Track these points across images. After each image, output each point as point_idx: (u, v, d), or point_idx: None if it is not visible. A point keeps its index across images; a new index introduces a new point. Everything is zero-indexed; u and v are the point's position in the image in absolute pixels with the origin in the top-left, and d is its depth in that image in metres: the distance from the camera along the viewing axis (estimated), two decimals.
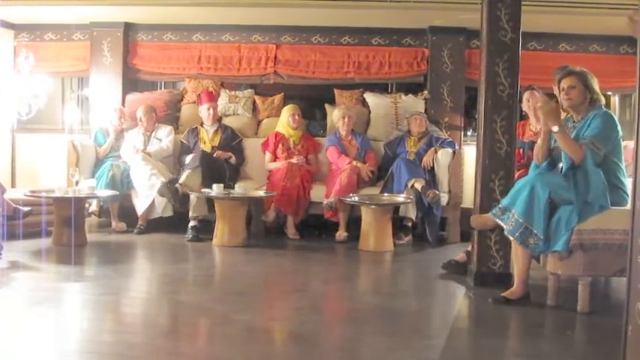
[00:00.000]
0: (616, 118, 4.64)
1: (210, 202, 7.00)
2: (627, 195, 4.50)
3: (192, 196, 6.97)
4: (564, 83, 4.68)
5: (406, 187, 6.86)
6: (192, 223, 7.02)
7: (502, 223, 4.61)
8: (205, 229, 7.01)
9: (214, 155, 7.37)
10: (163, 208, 7.14)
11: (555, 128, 4.48)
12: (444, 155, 7.19)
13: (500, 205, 4.67)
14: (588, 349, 4.00)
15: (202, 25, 8.26)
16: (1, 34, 8.20)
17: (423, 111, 7.81)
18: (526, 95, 6.26)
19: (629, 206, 2.90)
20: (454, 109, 7.97)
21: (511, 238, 4.58)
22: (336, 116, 7.66)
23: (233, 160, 7.52)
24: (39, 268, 5.67)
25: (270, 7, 7.35)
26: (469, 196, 6.36)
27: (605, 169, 4.51)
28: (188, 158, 7.29)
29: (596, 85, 4.65)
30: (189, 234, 6.93)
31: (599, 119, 4.52)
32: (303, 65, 8.26)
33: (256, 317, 4.43)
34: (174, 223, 7.17)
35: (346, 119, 7.55)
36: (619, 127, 4.62)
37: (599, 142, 4.46)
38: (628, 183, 4.61)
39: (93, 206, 7.30)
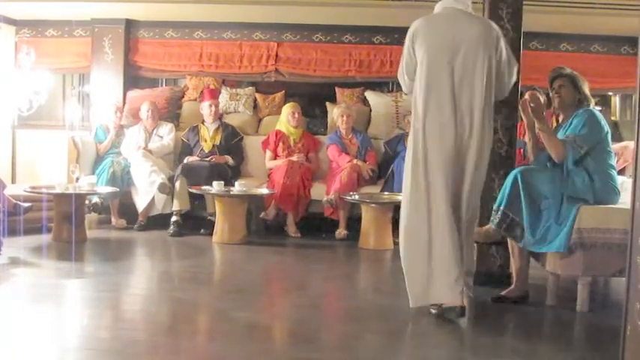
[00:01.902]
0: (599, 116, 4.67)
1: (193, 196, 7.08)
2: (618, 191, 4.55)
3: (176, 191, 7.06)
4: (555, 83, 4.82)
5: None
6: (174, 218, 7.06)
7: (493, 225, 4.65)
8: (190, 224, 7.12)
9: (210, 160, 7.37)
10: (163, 205, 7.15)
11: (543, 127, 4.59)
12: None
13: (494, 208, 4.70)
14: (587, 348, 4.00)
15: (204, 23, 8.26)
16: (2, 30, 8.19)
17: None
18: (527, 95, 6.26)
19: (627, 205, 2.91)
20: None
21: (498, 229, 4.62)
22: (335, 114, 7.67)
23: (230, 162, 7.52)
24: (39, 264, 5.67)
25: (272, 5, 7.37)
26: None
27: (592, 164, 4.54)
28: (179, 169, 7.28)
29: (586, 87, 4.74)
30: (171, 229, 6.97)
31: (580, 118, 4.59)
32: (304, 63, 8.27)
33: (256, 315, 4.44)
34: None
35: (345, 117, 7.55)
36: (603, 124, 4.65)
37: (581, 140, 4.50)
38: (620, 180, 4.66)
39: (95, 198, 7.28)
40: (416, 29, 4.40)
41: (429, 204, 4.22)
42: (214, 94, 7.86)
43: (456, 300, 4.15)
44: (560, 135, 4.63)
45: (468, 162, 4.25)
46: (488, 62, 4.24)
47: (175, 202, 7.08)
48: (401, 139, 7.51)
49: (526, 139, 4.94)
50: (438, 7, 4.45)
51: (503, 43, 4.33)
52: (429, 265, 4.22)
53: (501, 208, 4.58)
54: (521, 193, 4.50)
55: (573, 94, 4.70)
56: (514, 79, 4.49)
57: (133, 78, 8.45)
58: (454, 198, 4.22)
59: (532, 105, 4.66)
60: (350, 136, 7.59)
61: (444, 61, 4.24)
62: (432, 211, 4.20)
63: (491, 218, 4.69)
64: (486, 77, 4.24)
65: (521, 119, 5.17)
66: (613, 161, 4.72)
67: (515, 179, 4.56)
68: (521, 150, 6.21)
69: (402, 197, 4.48)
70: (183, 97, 8.33)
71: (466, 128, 4.23)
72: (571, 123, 4.63)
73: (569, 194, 4.45)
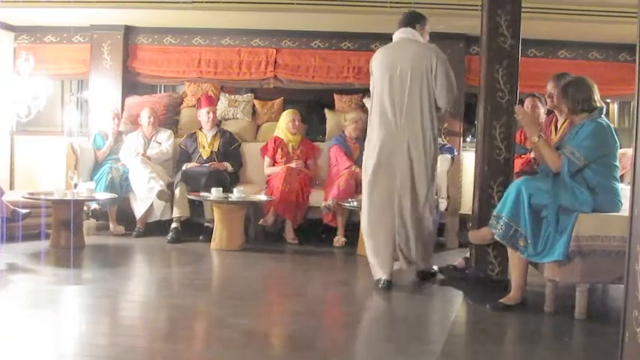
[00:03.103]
0: (608, 128, 4.58)
1: (193, 204, 7.08)
2: (622, 203, 4.53)
3: (176, 198, 7.07)
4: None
5: None
6: (174, 225, 7.06)
7: (494, 230, 4.65)
8: (188, 231, 7.10)
9: (209, 167, 7.38)
10: (162, 212, 7.14)
11: (535, 139, 4.62)
12: (442, 161, 7.16)
13: (494, 214, 4.71)
14: (585, 355, 4.00)
15: (202, 29, 8.27)
16: (1, 36, 8.20)
17: None
18: (527, 102, 6.29)
19: (625, 212, 2.91)
20: (453, 115, 7.95)
21: (502, 241, 4.63)
22: (348, 119, 7.63)
23: (229, 168, 7.53)
24: (37, 270, 5.66)
25: (271, 12, 7.36)
26: (468, 203, 6.37)
27: (594, 178, 4.52)
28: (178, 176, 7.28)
29: (588, 93, 4.63)
30: (170, 235, 6.96)
31: (587, 129, 4.54)
32: (302, 70, 8.27)
33: (254, 321, 4.43)
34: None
35: (359, 123, 7.58)
36: (610, 138, 4.58)
37: (580, 152, 4.48)
38: (622, 189, 4.64)
39: (93, 204, 7.28)
40: (374, 56, 5.51)
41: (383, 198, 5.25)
42: (211, 101, 7.86)
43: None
44: (566, 140, 4.64)
45: (414, 164, 5.19)
46: (420, 79, 5.17)
47: (175, 209, 7.09)
48: None
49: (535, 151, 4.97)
50: (394, 37, 5.47)
51: (438, 64, 5.18)
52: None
53: (505, 219, 4.57)
54: (524, 204, 4.50)
55: (567, 105, 4.70)
56: (452, 92, 5.23)
57: (131, 84, 8.45)
58: (401, 194, 5.20)
59: (522, 119, 4.72)
60: (354, 141, 7.60)
61: (385, 81, 5.29)
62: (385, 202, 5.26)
63: (490, 222, 4.70)
64: (416, 91, 5.17)
65: (521, 126, 5.20)
66: (617, 174, 4.71)
67: (518, 190, 4.55)
68: (521, 155, 6.21)
69: (363, 194, 5.44)
70: (181, 103, 8.33)
71: (404, 135, 5.19)
72: (576, 132, 4.60)
73: (567, 206, 4.45)
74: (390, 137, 5.24)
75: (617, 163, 4.69)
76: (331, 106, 8.24)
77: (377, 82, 5.37)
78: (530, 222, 4.49)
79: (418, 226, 5.26)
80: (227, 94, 8.34)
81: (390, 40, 5.42)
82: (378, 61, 5.40)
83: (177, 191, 7.08)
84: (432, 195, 5.33)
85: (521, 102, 6.01)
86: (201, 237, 7.02)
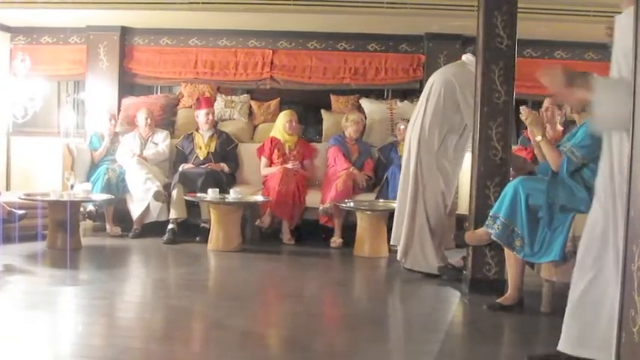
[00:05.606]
0: None
1: (190, 204, 7.07)
2: None
3: (173, 199, 7.06)
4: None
5: None
6: (170, 226, 7.04)
7: (491, 230, 4.66)
8: (185, 231, 7.11)
9: (207, 167, 7.37)
10: (159, 213, 7.13)
11: (538, 137, 4.66)
12: None
13: (490, 214, 4.72)
14: None
15: (199, 30, 8.26)
16: None
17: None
18: (546, 102, 6.28)
19: None
20: None
21: (498, 241, 4.63)
22: (350, 120, 7.61)
23: (226, 169, 7.52)
24: (33, 271, 5.65)
25: (267, 13, 7.36)
26: (464, 203, 6.38)
27: (592, 177, 4.52)
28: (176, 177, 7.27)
29: None
30: (166, 236, 6.96)
31: (585, 128, 4.55)
32: (299, 71, 8.27)
33: (250, 322, 4.44)
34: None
35: (360, 125, 7.60)
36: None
37: (579, 151, 4.49)
38: None
39: (90, 205, 7.28)
40: None
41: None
42: (210, 103, 7.86)
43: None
44: (566, 139, 4.65)
45: (423, 165, 5.70)
46: (437, 96, 5.66)
47: (172, 210, 7.07)
48: (393, 146, 7.51)
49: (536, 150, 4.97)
50: None
51: (459, 84, 5.62)
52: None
53: (502, 219, 4.57)
54: (521, 204, 4.50)
55: (569, 103, 4.71)
56: (468, 110, 5.48)
57: (128, 85, 8.43)
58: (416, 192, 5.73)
59: (526, 118, 4.72)
60: (353, 142, 7.60)
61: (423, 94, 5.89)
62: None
63: (487, 222, 4.70)
64: (432, 105, 5.67)
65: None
66: None
67: (515, 190, 4.55)
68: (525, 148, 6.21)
69: None
70: (178, 104, 8.32)
71: (410, 141, 5.80)
72: (576, 132, 4.61)
73: (563, 203, 4.45)
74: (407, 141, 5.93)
75: None
76: (328, 107, 8.24)
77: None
78: (527, 222, 4.50)
79: (411, 222, 5.72)
80: (223, 95, 8.33)
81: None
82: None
83: (174, 193, 7.07)
84: (425, 197, 5.73)
85: (521, 103, 6.00)
86: (197, 238, 7.01)
